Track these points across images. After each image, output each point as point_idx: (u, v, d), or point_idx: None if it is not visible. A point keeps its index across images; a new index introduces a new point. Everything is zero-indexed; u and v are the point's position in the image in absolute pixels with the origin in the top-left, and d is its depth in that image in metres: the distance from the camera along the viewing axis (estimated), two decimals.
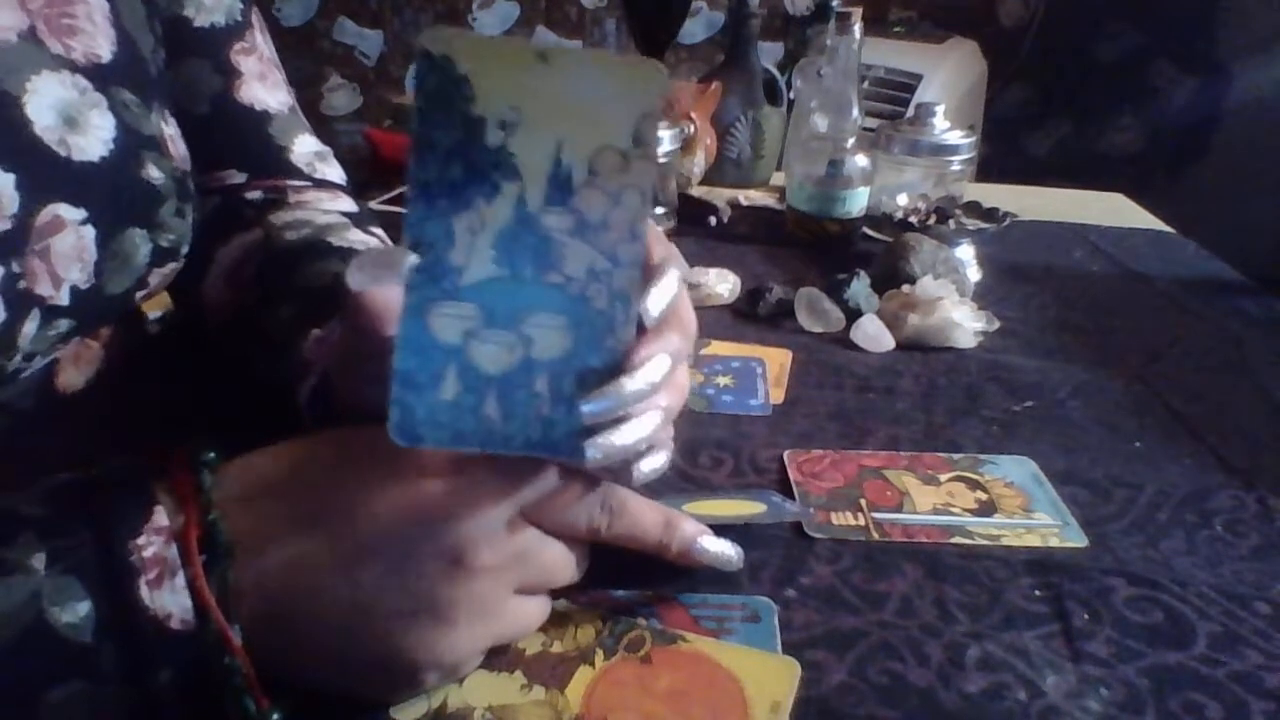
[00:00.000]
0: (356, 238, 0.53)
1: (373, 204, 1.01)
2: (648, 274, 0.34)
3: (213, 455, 0.34)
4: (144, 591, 0.30)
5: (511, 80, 0.30)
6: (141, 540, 0.31)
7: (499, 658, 0.37)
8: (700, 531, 0.40)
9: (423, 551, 0.32)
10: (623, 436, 0.34)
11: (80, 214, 0.40)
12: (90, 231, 0.40)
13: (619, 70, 0.31)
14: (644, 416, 0.34)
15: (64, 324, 0.41)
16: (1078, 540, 0.48)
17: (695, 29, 2.50)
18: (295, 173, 0.60)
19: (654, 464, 0.37)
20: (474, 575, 0.33)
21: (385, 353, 0.34)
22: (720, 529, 0.42)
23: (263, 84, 0.58)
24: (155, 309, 0.57)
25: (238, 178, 0.58)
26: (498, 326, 0.32)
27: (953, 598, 0.43)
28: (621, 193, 0.32)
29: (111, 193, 0.42)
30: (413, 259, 0.31)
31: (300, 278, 0.49)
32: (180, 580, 0.30)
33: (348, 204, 0.60)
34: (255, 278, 0.52)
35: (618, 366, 0.33)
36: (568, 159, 0.31)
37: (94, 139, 0.41)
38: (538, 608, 0.38)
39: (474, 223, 0.31)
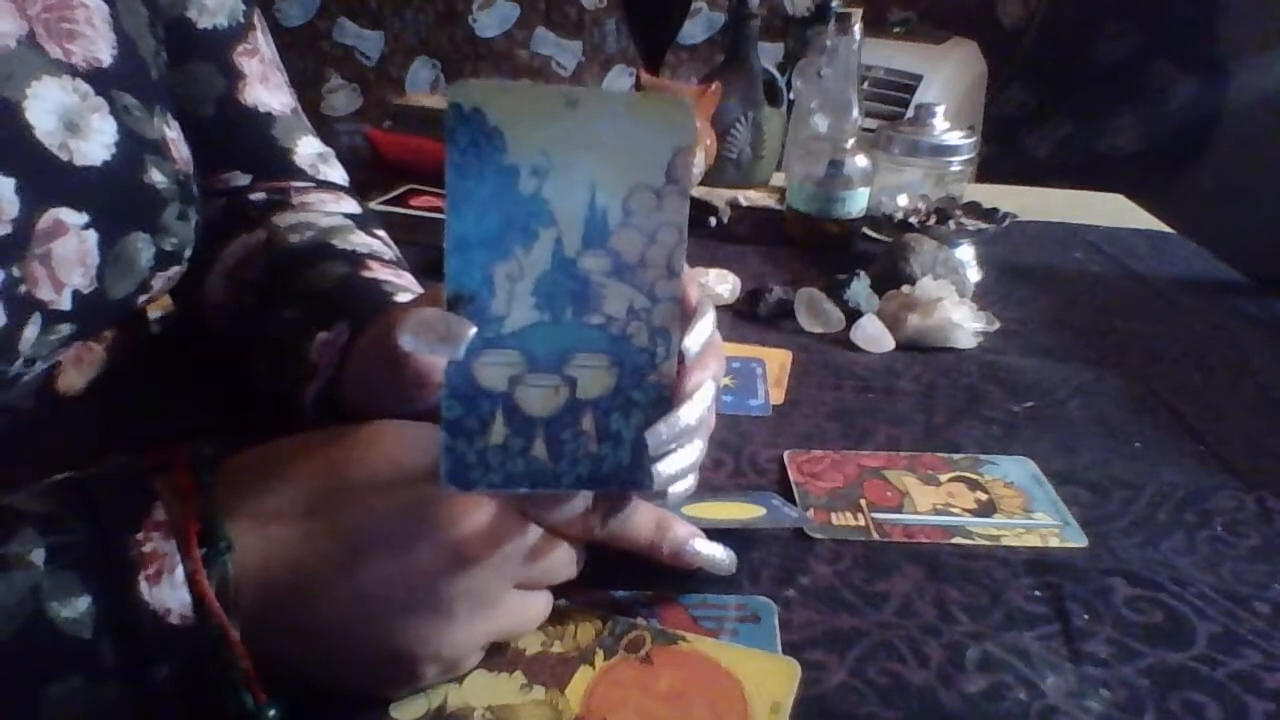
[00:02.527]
0: (360, 240, 0.53)
1: (373, 204, 1.01)
2: (686, 313, 0.35)
3: (213, 452, 0.34)
4: (143, 587, 0.30)
5: (542, 128, 0.30)
6: (141, 536, 0.31)
7: (499, 658, 0.37)
8: (692, 534, 0.40)
9: (422, 545, 0.32)
10: (679, 461, 0.35)
11: (82, 218, 0.40)
12: (92, 236, 0.41)
13: (647, 110, 0.31)
14: (694, 440, 0.36)
15: (66, 328, 0.41)
16: (1078, 540, 0.48)
17: (695, 29, 2.50)
18: (299, 174, 0.60)
19: (685, 485, 0.37)
20: (473, 569, 0.33)
21: (414, 381, 0.35)
22: (719, 532, 0.42)
23: (265, 86, 0.58)
24: (156, 310, 0.57)
25: (242, 179, 0.58)
26: (542, 370, 0.33)
27: (953, 598, 0.43)
28: (657, 230, 0.32)
29: (113, 197, 0.42)
30: (473, 332, 0.30)
31: (304, 281, 0.49)
32: (179, 576, 0.31)
33: (351, 205, 0.59)
34: (258, 279, 0.52)
35: (661, 399, 0.34)
36: (602, 201, 0.31)
37: (96, 143, 0.41)
38: (538, 604, 0.38)
39: (513, 270, 0.31)
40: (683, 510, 0.43)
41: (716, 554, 0.41)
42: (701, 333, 0.35)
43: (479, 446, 0.33)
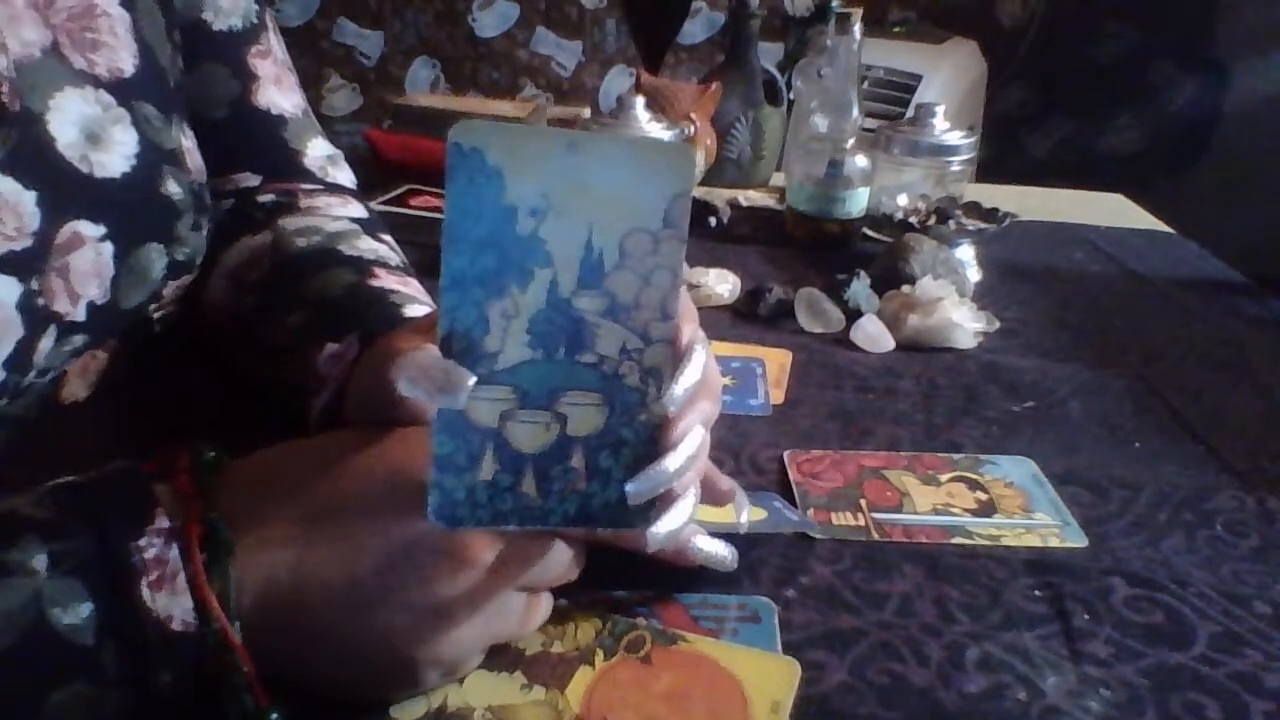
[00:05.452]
0: (367, 246, 0.53)
1: (372, 204, 1.01)
2: (676, 355, 0.34)
3: (214, 455, 0.34)
4: (145, 593, 0.30)
5: (541, 169, 0.30)
6: (143, 542, 0.31)
7: (499, 658, 0.37)
8: (694, 531, 0.40)
9: (423, 549, 0.32)
10: (672, 521, 0.35)
11: (100, 230, 0.40)
12: (109, 248, 0.41)
13: (647, 155, 0.32)
14: (688, 494, 0.36)
15: (79, 339, 0.41)
16: (1077, 540, 0.48)
17: (695, 29, 2.50)
18: (308, 177, 0.59)
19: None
20: (474, 573, 0.33)
21: (408, 417, 0.35)
22: (720, 534, 0.42)
23: (278, 87, 0.58)
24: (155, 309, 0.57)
25: (252, 180, 0.58)
26: (533, 406, 0.33)
27: (953, 598, 0.43)
28: (652, 273, 0.32)
29: (131, 209, 0.42)
30: (473, 382, 0.30)
31: (309, 287, 0.48)
32: (181, 582, 0.31)
33: (357, 209, 0.59)
34: (262, 282, 0.51)
35: (651, 438, 0.35)
36: (599, 243, 0.32)
37: (116, 155, 0.41)
38: (539, 606, 0.38)
39: (508, 309, 0.32)
40: None
41: (719, 550, 0.41)
42: (688, 380, 0.35)
43: (468, 482, 0.33)
